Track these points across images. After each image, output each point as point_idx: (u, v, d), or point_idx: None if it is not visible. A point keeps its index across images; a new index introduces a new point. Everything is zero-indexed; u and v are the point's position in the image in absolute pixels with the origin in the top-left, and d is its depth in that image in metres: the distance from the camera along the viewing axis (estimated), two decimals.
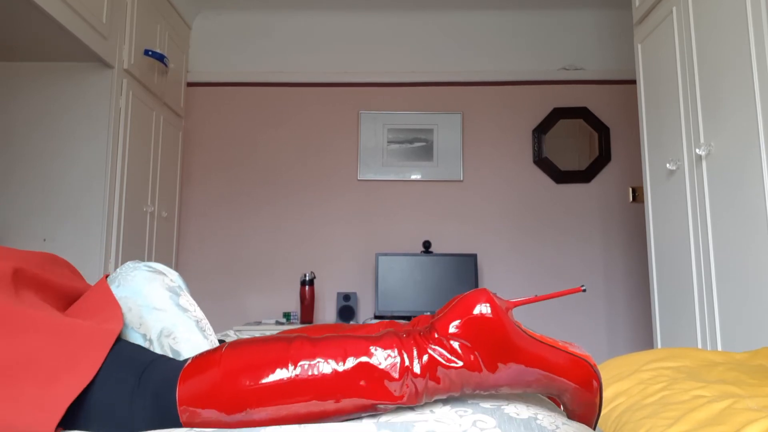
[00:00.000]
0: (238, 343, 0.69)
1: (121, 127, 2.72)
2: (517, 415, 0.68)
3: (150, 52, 2.95)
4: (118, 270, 0.87)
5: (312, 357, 0.65)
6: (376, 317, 3.28)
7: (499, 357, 0.68)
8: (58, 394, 0.63)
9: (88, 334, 0.69)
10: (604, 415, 0.95)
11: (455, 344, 0.67)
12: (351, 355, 0.66)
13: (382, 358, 0.66)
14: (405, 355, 0.66)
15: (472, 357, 0.67)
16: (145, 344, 0.79)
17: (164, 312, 0.81)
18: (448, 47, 3.72)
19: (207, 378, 0.65)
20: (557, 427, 0.67)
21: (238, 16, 3.75)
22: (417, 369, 0.66)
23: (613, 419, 0.91)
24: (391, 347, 0.66)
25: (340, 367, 0.65)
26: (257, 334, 1.49)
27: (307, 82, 3.68)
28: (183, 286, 0.87)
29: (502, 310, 0.68)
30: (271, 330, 2.99)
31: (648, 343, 3.38)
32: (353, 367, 0.65)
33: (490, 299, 0.68)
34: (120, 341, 0.73)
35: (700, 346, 2.00)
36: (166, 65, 3.15)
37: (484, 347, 0.67)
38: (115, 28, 2.69)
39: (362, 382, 0.64)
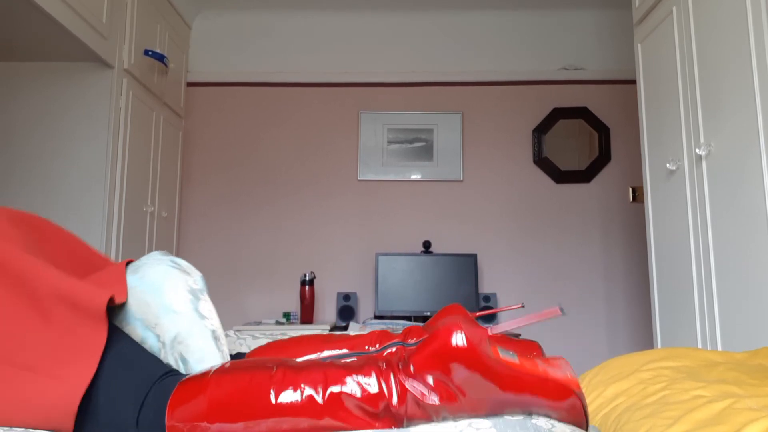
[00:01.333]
0: (224, 371, 0.71)
1: (121, 127, 2.72)
2: (512, 415, 0.68)
3: (150, 52, 2.95)
4: (143, 259, 0.86)
5: (294, 385, 0.67)
6: (376, 317, 3.28)
7: (477, 388, 0.68)
8: (68, 387, 0.66)
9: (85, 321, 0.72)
10: (605, 414, 0.95)
11: (430, 379, 0.68)
12: (331, 384, 0.67)
13: (361, 388, 0.67)
14: (384, 386, 0.68)
15: (447, 390, 0.68)
16: (158, 345, 0.79)
17: (182, 316, 0.80)
18: (448, 47, 3.72)
19: (193, 406, 0.67)
20: (553, 426, 0.67)
21: (238, 16, 3.75)
22: (395, 401, 0.67)
23: (613, 419, 0.91)
24: (370, 376, 0.68)
25: (320, 398, 0.66)
26: (257, 334, 1.49)
27: (307, 82, 3.68)
28: (205, 289, 0.86)
29: (476, 341, 0.68)
30: (271, 330, 2.99)
31: (648, 343, 3.38)
32: (332, 396, 0.67)
33: (462, 330, 0.69)
34: (133, 346, 0.74)
35: (700, 346, 2.00)
36: (166, 65, 3.15)
37: (459, 378, 0.68)
38: (115, 28, 2.69)
39: (341, 412, 0.66)
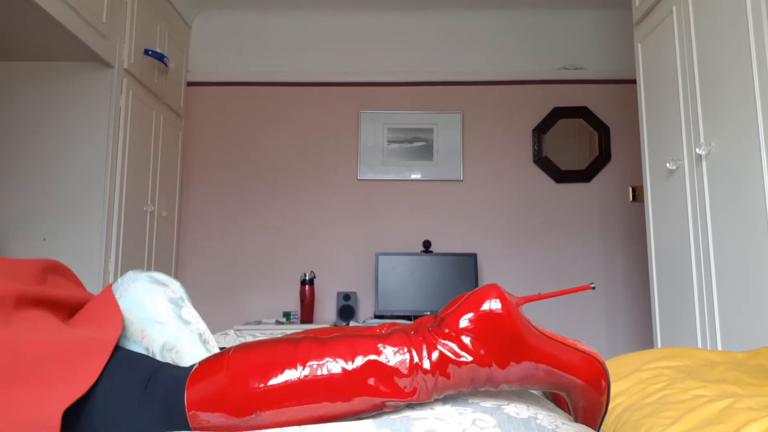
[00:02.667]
0: (245, 346, 0.68)
1: (121, 127, 2.72)
2: (517, 414, 0.68)
3: (150, 52, 2.95)
4: (119, 280, 0.87)
5: (320, 357, 0.65)
6: (376, 317, 3.28)
7: (510, 353, 0.67)
8: (56, 400, 0.63)
9: (85, 344, 0.69)
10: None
11: (466, 339, 0.67)
12: (360, 354, 0.65)
13: (391, 355, 0.65)
14: (414, 352, 0.66)
15: (482, 352, 0.67)
16: None
17: (166, 325, 0.80)
18: (448, 47, 3.72)
19: (215, 382, 0.64)
20: (557, 427, 0.67)
21: (237, 16, 3.75)
22: (427, 365, 0.65)
23: (613, 419, 0.91)
24: (400, 344, 0.66)
25: (349, 366, 0.64)
26: (257, 334, 1.49)
27: (307, 82, 3.68)
28: (185, 296, 0.86)
29: (513, 306, 0.68)
30: (271, 330, 2.99)
31: (648, 342, 3.38)
32: (362, 366, 0.64)
33: (500, 295, 0.68)
34: (123, 349, 0.73)
35: (700, 345, 2.00)
36: (166, 65, 3.15)
37: (494, 343, 0.67)
38: (115, 28, 2.69)
39: (372, 380, 0.64)
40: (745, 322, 1.75)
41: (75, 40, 2.39)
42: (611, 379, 1.07)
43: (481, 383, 0.68)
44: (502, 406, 0.69)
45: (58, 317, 0.77)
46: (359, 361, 0.65)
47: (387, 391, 0.64)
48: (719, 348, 1.87)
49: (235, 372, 0.64)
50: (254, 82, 3.68)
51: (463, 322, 0.67)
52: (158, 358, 0.78)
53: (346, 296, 3.29)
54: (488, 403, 0.70)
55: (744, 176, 1.75)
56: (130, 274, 0.86)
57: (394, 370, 0.65)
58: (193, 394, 0.64)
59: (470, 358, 0.66)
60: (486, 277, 3.50)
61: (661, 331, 2.31)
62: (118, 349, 0.73)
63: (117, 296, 0.83)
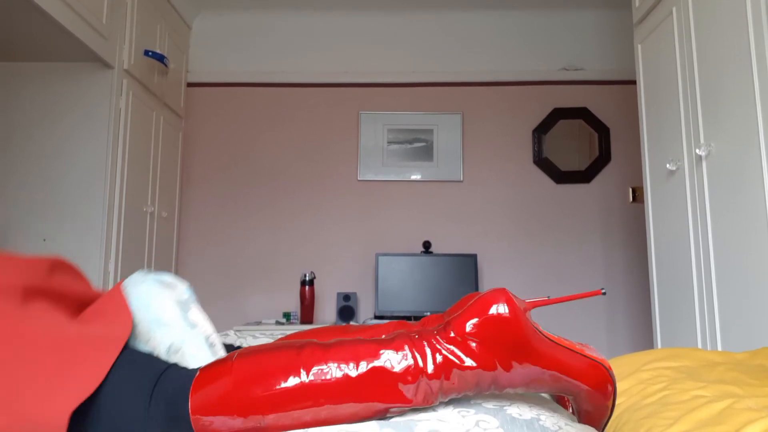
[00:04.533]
0: (249, 351, 0.68)
1: (121, 127, 2.72)
2: (520, 415, 0.68)
3: (150, 53, 2.95)
4: (126, 280, 0.86)
5: (324, 362, 0.65)
6: (376, 317, 3.28)
7: (516, 357, 0.67)
8: (64, 399, 0.63)
9: (94, 340, 0.69)
10: None
11: (471, 344, 0.67)
12: (363, 360, 0.65)
13: (395, 361, 0.65)
14: (418, 357, 0.65)
15: (487, 357, 0.66)
16: None
17: (172, 327, 0.80)
18: (448, 47, 3.72)
19: (219, 387, 0.64)
20: (560, 428, 0.67)
21: (238, 16, 3.75)
22: (431, 370, 0.65)
23: (613, 419, 0.91)
24: (403, 349, 0.66)
25: (353, 372, 0.64)
26: (257, 334, 1.49)
27: (307, 82, 3.68)
28: (193, 298, 0.85)
29: (521, 311, 0.68)
30: (271, 330, 2.99)
31: (648, 343, 3.38)
32: (366, 372, 0.64)
33: (509, 299, 0.68)
34: (131, 349, 0.73)
35: (700, 346, 2.00)
36: (166, 65, 3.15)
37: (500, 348, 0.67)
38: (115, 29, 2.69)
39: (376, 387, 0.64)
40: (745, 322, 1.75)
41: (75, 41, 2.39)
42: None
43: (486, 387, 0.68)
44: (505, 407, 0.69)
45: (66, 313, 0.77)
46: (363, 367, 0.64)
47: (391, 398, 0.64)
48: (719, 348, 1.87)
49: (238, 378, 0.64)
50: (254, 82, 3.68)
51: (470, 326, 0.67)
52: (164, 359, 0.78)
53: (346, 297, 3.29)
54: (491, 404, 0.70)
55: (744, 177, 1.75)
56: (137, 276, 0.86)
57: (398, 376, 0.64)
58: (197, 401, 0.64)
59: (475, 364, 0.66)
60: (486, 278, 3.50)
61: (661, 331, 2.31)
62: (126, 348, 0.73)
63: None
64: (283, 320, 3.26)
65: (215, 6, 3.70)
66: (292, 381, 0.63)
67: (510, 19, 3.74)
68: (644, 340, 3.41)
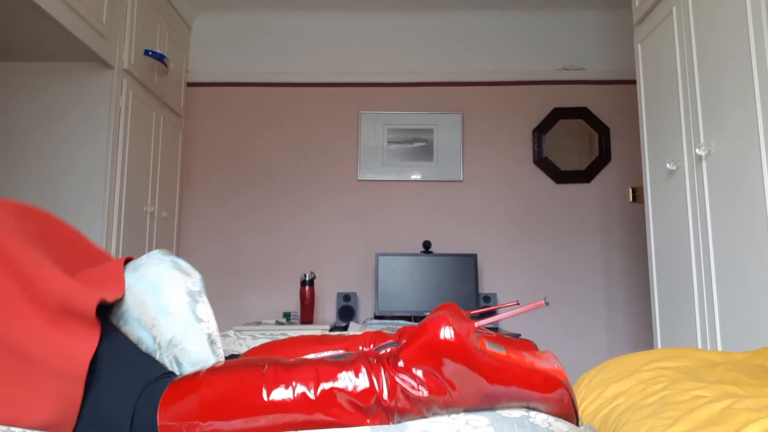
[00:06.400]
0: (216, 370, 0.71)
1: (121, 127, 2.72)
2: (510, 414, 0.68)
3: (150, 53, 2.95)
4: (144, 257, 0.85)
5: (286, 383, 0.67)
6: (376, 317, 3.28)
7: (464, 379, 0.69)
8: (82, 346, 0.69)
9: (100, 277, 0.76)
10: (605, 414, 0.96)
11: (418, 372, 0.68)
12: (323, 381, 0.68)
13: (352, 383, 0.68)
14: (375, 381, 0.68)
15: (436, 383, 0.68)
16: (154, 347, 0.79)
17: (178, 318, 0.79)
18: (448, 47, 3.72)
19: (185, 404, 0.67)
20: (550, 425, 0.67)
21: (238, 16, 3.75)
22: (386, 395, 0.67)
23: (613, 419, 0.91)
24: (360, 372, 0.68)
25: (312, 393, 0.67)
26: (257, 334, 1.49)
27: (307, 82, 3.68)
28: (203, 291, 0.85)
29: (463, 334, 0.69)
30: (271, 330, 2.99)
31: (648, 343, 3.38)
32: (324, 392, 0.67)
33: (449, 323, 0.69)
34: (130, 345, 0.74)
35: (700, 346, 2.00)
36: (166, 65, 3.15)
37: (448, 371, 0.68)
38: (115, 28, 2.69)
39: (333, 408, 0.67)
40: (745, 322, 1.75)
41: (75, 41, 2.39)
42: (612, 380, 1.07)
43: (441, 409, 0.69)
44: (495, 406, 0.70)
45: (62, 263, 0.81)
46: (322, 387, 0.67)
47: (347, 418, 0.67)
48: (719, 348, 1.88)
49: (204, 398, 0.67)
50: (254, 82, 3.68)
51: (417, 355, 0.69)
52: (163, 349, 0.78)
53: (346, 297, 3.29)
54: None
55: (744, 177, 1.75)
56: (156, 254, 0.86)
57: (355, 397, 0.67)
58: (164, 417, 0.67)
59: (426, 393, 0.68)
60: (486, 278, 3.50)
61: (661, 331, 2.31)
62: (120, 338, 0.74)
63: (137, 274, 0.83)
64: (283, 320, 3.26)
65: (215, 6, 3.69)
66: (253, 400, 0.67)
67: (510, 19, 3.74)
68: (644, 340, 3.41)
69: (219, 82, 3.68)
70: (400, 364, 0.69)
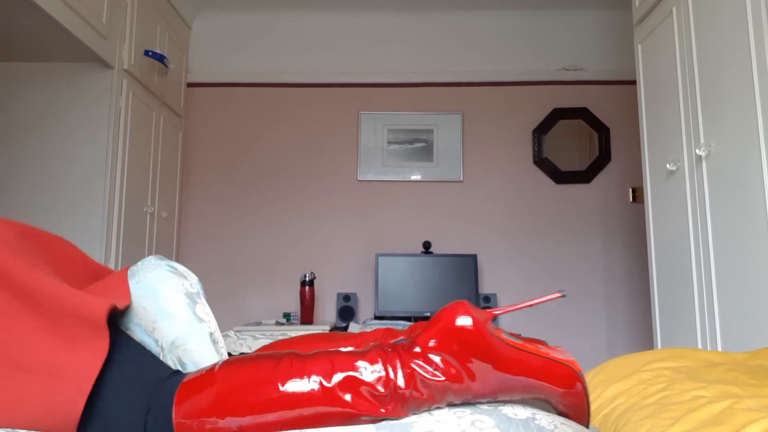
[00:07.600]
0: (230, 363, 0.71)
1: (121, 127, 2.72)
2: (515, 415, 0.68)
3: (150, 53, 2.95)
4: (139, 264, 0.85)
5: (300, 374, 0.68)
6: (376, 317, 3.28)
7: (481, 368, 0.69)
8: (83, 362, 0.67)
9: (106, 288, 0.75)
10: (605, 415, 0.95)
11: (436, 358, 0.68)
12: (338, 371, 0.68)
13: (368, 372, 0.68)
14: (390, 369, 0.68)
15: (453, 370, 0.68)
16: (157, 350, 0.79)
17: (179, 320, 0.79)
18: (448, 47, 3.72)
19: (201, 399, 0.67)
20: (555, 427, 0.67)
21: (238, 16, 3.75)
22: (401, 383, 0.67)
23: (613, 419, 0.91)
24: (376, 361, 0.69)
25: (328, 384, 0.67)
26: (257, 335, 1.49)
27: (307, 82, 3.68)
28: (201, 293, 0.85)
29: (481, 321, 0.70)
30: (271, 331, 2.99)
31: (648, 343, 3.38)
32: (340, 382, 0.67)
33: (468, 311, 0.70)
34: (135, 346, 0.74)
35: (700, 346, 2.00)
36: (166, 65, 3.15)
37: (465, 358, 0.69)
38: (115, 29, 2.69)
39: (348, 396, 0.66)
40: (745, 322, 1.75)
41: (75, 41, 2.39)
42: (612, 380, 1.07)
43: (456, 398, 0.70)
44: (500, 408, 0.70)
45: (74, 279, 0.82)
46: (337, 377, 0.67)
47: (362, 407, 0.67)
48: (719, 348, 1.87)
49: (220, 391, 0.67)
50: (254, 82, 3.68)
51: (433, 341, 0.69)
52: (166, 352, 0.78)
53: (346, 297, 3.29)
54: (486, 405, 0.71)
55: (744, 177, 1.75)
56: (151, 260, 0.86)
57: (370, 386, 0.67)
58: (180, 412, 0.67)
59: (442, 378, 0.68)
60: (486, 278, 3.50)
61: (661, 331, 2.30)
62: (128, 341, 0.74)
63: (134, 281, 0.83)
64: (283, 321, 3.26)
65: (215, 6, 3.69)
66: (270, 392, 0.67)
67: (510, 19, 3.74)
68: (644, 340, 3.41)
69: (219, 83, 3.68)
70: (417, 350, 0.69)
